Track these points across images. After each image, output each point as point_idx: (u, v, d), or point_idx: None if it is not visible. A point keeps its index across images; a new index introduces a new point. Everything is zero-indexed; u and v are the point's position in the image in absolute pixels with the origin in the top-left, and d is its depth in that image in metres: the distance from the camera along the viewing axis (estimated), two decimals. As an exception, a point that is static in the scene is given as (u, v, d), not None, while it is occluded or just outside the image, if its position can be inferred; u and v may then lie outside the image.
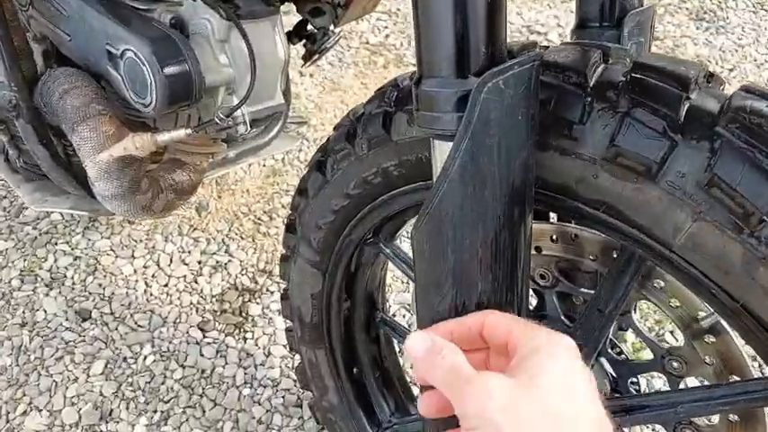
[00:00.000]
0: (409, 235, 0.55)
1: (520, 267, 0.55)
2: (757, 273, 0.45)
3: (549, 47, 0.62)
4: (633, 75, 0.51)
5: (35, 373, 1.26)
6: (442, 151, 0.51)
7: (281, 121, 1.09)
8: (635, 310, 0.81)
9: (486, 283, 0.53)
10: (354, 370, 0.97)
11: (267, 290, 1.44)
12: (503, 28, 0.47)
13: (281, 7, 0.93)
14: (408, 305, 1.42)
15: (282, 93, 1.00)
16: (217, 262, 1.49)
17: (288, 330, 1.04)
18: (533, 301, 0.87)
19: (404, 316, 1.40)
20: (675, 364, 0.71)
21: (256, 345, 1.34)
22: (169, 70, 0.79)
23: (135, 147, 0.85)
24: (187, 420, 1.20)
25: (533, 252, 0.78)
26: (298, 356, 1.04)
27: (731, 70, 2.08)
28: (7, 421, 1.19)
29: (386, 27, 2.22)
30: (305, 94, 1.94)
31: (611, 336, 0.79)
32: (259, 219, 1.60)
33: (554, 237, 0.76)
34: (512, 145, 0.48)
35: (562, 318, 0.83)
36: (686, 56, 2.08)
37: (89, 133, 0.82)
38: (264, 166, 1.72)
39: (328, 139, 0.84)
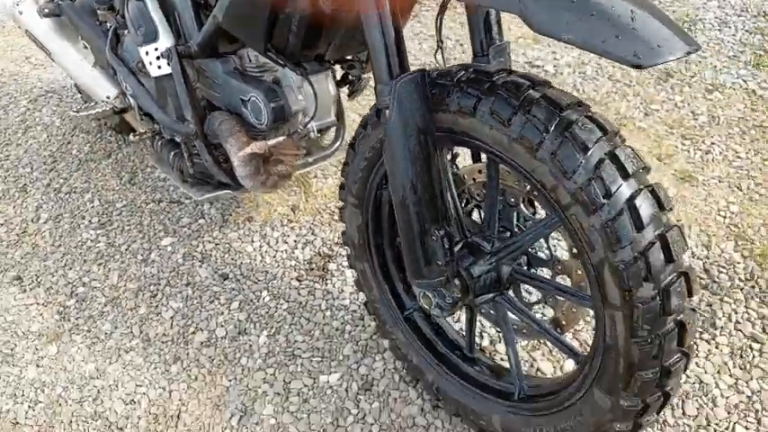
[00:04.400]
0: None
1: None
2: (513, 149, 1.08)
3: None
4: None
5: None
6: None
7: (341, 138, 1.82)
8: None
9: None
10: (385, 269, 1.62)
11: (339, 254, 2.12)
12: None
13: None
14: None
15: (336, 115, 1.72)
16: (306, 240, 2.20)
17: (347, 256, 1.71)
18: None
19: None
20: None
21: (341, 290, 2.01)
22: (273, 105, 1.53)
23: (257, 147, 1.58)
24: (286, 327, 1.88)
25: (473, 181, 1.42)
26: (353, 271, 1.70)
27: None
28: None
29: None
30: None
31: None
32: (333, 212, 2.31)
33: (480, 170, 1.40)
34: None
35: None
36: None
37: (234, 141, 1.56)
38: (335, 179, 2.44)
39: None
